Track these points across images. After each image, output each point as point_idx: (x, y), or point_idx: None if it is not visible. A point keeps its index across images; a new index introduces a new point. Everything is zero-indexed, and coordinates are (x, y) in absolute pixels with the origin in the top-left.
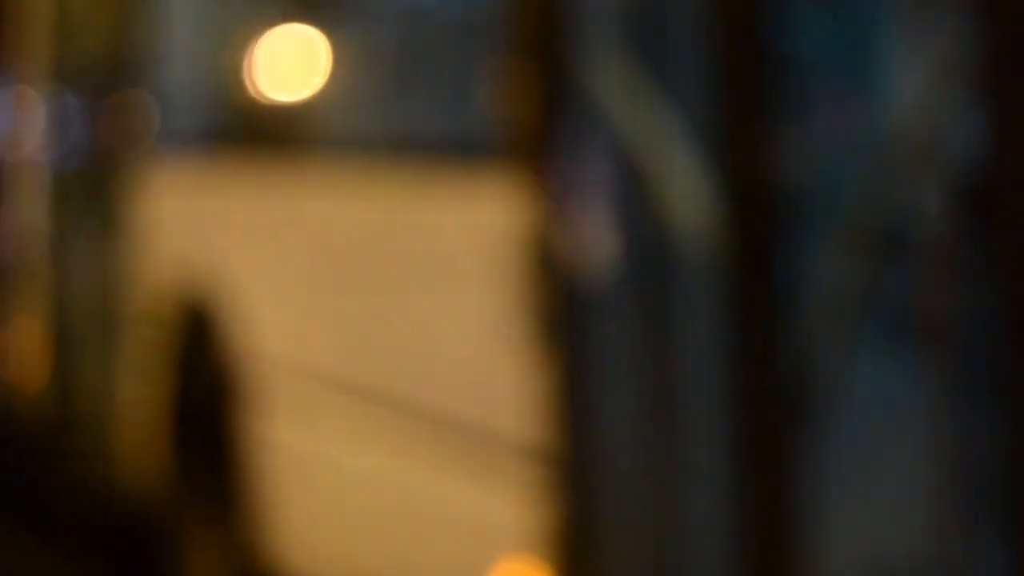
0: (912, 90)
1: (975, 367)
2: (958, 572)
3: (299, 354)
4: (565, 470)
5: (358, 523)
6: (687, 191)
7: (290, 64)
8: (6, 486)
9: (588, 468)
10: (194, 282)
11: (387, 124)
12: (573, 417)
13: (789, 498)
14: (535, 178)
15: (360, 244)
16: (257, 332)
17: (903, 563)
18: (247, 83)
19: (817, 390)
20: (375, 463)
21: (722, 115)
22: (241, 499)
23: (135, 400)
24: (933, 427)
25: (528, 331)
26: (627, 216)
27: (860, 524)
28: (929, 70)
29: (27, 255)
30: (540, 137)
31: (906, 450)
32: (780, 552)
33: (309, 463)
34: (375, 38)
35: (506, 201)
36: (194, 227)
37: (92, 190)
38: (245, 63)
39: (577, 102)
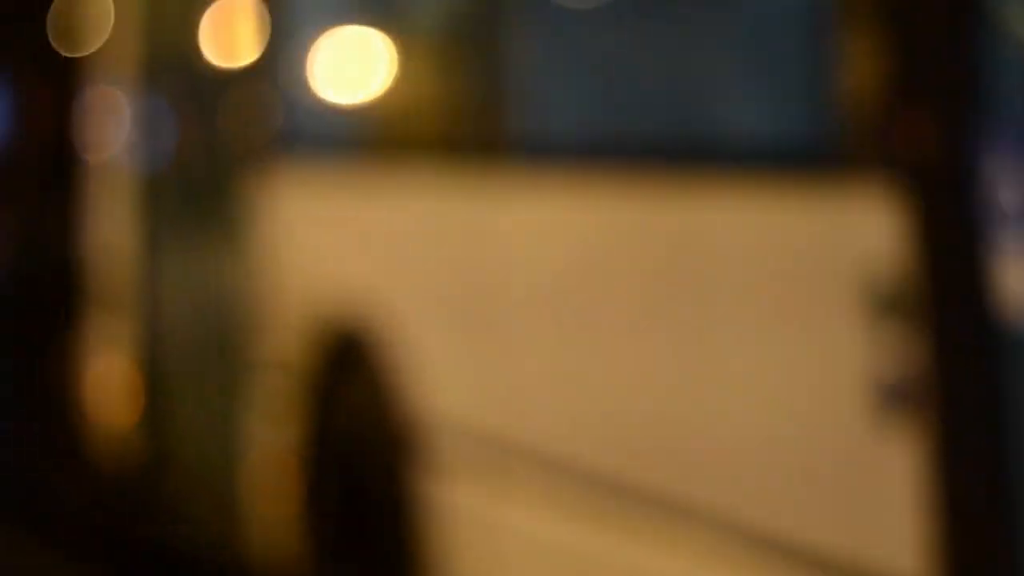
0: None
1: None
2: None
3: (491, 408)
4: None
5: None
6: None
7: (492, 49)
8: (91, 532)
9: None
10: (338, 309)
11: (640, 115)
12: (980, 527)
13: None
14: (916, 187)
15: (599, 271)
16: (425, 374)
17: None
18: (417, 75)
19: None
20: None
21: None
22: (402, 569)
23: (256, 447)
24: None
25: (898, 398)
26: None
27: None
28: None
29: (112, 272)
30: (921, 128)
31: None
32: None
33: (507, 543)
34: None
35: (864, 216)
36: (337, 243)
37: (192, 199)
38: (415, 50)
39: (979, 75)
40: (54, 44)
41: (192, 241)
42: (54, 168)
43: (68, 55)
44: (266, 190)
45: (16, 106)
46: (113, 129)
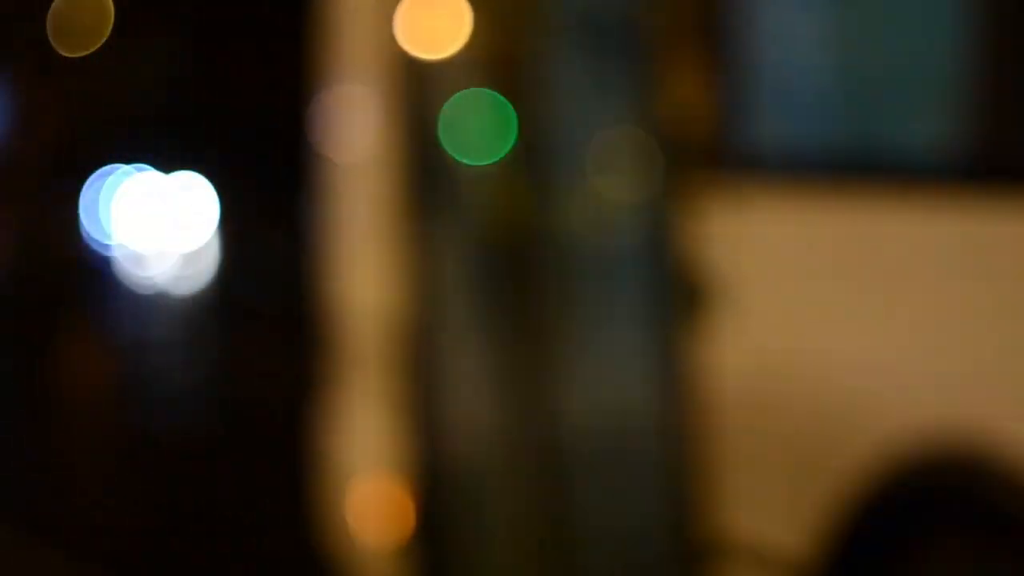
0: None
1: None
2: None
3: None
4: None
5: None
6: None
7: None
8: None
9: None
10: (908, 437)
11: None
12: None
13: None
14: None
15: None
16: None
17: None
18: None
19: None
20: None
21: None
22: None
23: None
24: None
25: None
26: None
27: None
28: None
29: (365, 332)
30: None
31: None
32: None
33: None
34: None
35: None
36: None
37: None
38: None
39: None
40: (54, 44)
41: (519, 292)
42: (54, 168)
43: (68, 55)
44: (708, 224)
45: (16, 106)
46: (362, 132)
